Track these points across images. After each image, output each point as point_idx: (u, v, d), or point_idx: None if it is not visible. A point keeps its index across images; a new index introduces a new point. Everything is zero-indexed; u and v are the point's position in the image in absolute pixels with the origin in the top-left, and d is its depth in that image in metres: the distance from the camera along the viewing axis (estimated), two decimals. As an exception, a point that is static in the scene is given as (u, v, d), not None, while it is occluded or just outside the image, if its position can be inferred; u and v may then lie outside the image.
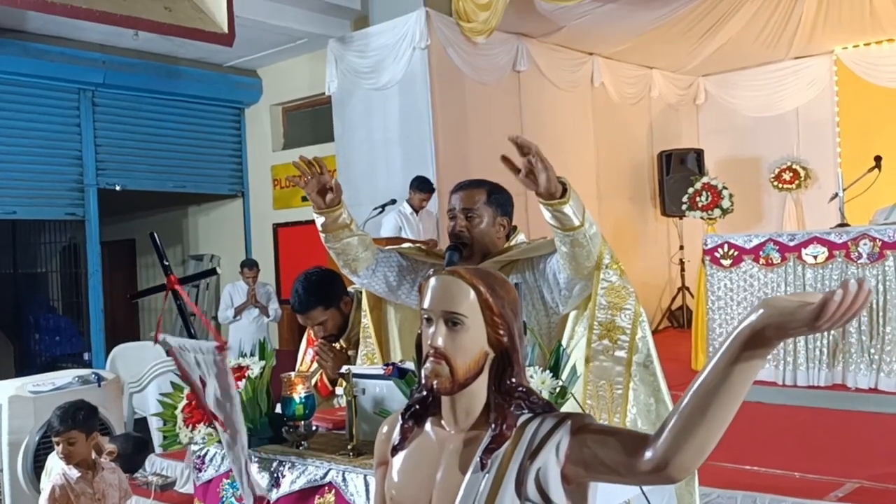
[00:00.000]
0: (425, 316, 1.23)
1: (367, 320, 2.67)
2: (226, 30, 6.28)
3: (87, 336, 8.24)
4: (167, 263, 1.23)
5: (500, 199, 2.42)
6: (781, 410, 5.19)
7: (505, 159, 2.03)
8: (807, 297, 1.00)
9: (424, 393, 1.26)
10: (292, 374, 2.15)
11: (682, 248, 9.18)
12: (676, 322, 9.14)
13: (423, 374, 1.20)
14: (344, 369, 2.08)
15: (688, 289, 8.90)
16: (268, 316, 7.17)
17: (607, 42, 8.22)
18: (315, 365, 2.88)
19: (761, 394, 5.55)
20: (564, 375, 1.68)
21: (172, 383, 2.32)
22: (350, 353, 2.80)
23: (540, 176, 1.97)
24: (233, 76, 8.78)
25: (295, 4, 7.08)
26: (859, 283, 0.96)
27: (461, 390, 1.22)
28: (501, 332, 1.22)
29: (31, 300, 9.85)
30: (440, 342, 1.20)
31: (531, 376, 1.65)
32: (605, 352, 2.18)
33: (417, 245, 2.75)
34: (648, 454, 1.09)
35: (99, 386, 4.56)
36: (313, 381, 2.92)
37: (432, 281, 1.24)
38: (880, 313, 5.38)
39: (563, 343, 2.22)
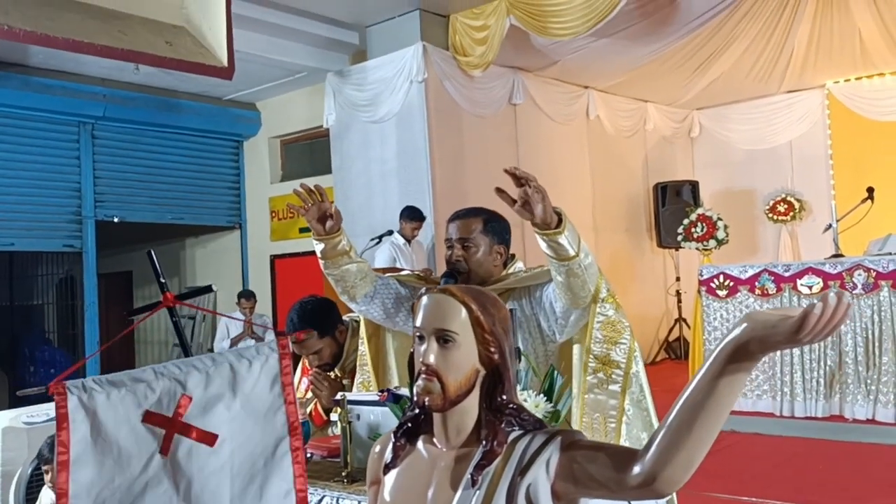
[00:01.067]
0: (417, 334, 1.25)
1: (364, 348, 2.67)
2: (226, 63, 6.34)
3: (83, 368, 8.20)
4: (164, 281, 1.24)
5: (496, 228, 2.44)
6: (779, 442, 5.17)
7: (500, 191, 2.06)
8: (789, 311, 1.02)
9: (417, 411, 1.27)
10: (287, 401, 2.14)
11: (678, 279, 9.20)
12: (674, 353, 9.13)
13: (414, 392, 1.22)
14: (339, 396, 2.08)
15: (685, 320, 8.91)
16: (264, 347, 7.14)
17: (602, 76, 8.34)
18: (310, 394, 2.87)
19: (758, 425, 5.54)
20: (561, 401, 1.69)
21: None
22: (345, 381, 2.80)
23: (536, 206, 2.00)
24: (232, 109, 8.88)
25: (294, 39, 7.19)
26: (839, 295, 0.98)
27: (452, 407, 1.23)
28: (492, 349, 1.24)
29: (27, 332, 9.82)
30: (432, 359, 1.21)
31: (525, 400, 1.66)
32: (599, 385, 2.19)
33: (415, 273, 2.77)
34: (637, 469, 1.10)
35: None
36: (308, 410, 2.92)
37: (424, 299, 1.26)
38: (876, 344, 5.39)
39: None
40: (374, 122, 7.27)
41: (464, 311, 1.23)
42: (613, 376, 2.15)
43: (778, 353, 5.82)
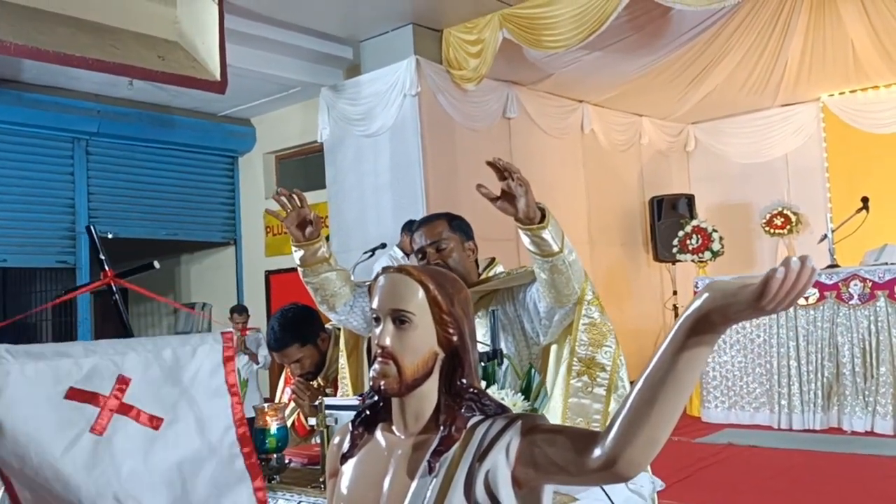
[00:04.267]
0: (373, 315, 1.21)
1: (343, 361, 2.63)
2: (218, 77, 6.34)
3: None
4: (104, 258, 1.20)
5: (461, 225, 2.44)
6: (776, 454, 5.10)
7: (480, 187, 2.03)
8: (750, 278, 0.97)
9: (375, 398, 1.22)
10: (265, 405, 2.10)
11: (675, 293, 9.15)
12: (671, 368, 9.05)
13: (370, 376, 1.17)
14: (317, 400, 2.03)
15: (682, 334, 8.83)
16: (257, 363, 7.09)
17: (596, 89, 8.34)
18: (293, 403, 2.82)
19: (756, 437, 5.47)
20: (538, 400, 1.64)
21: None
22: (328, 390, 2.75)
23: (519, 200, 1.97)
24: (226, 125, 8.88)
25: (288, 54, 7.20)
26: (802, 259, 0.93)
27: (410, 392, 1.18)
28: (451, 330, 1.19)
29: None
30: (387, 341, 1.17)
31: (502, 398, 1.61)
32: (583, 389, 2.13)
33: None
34: (597, 451, 1.05)
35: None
36: (290, 421, 2.86)
37: (381, 279, 1.22)
38: (873, 355, 5.34)
39: (548, 379, 2.19)
40: (367, 136, 7.26)
41: (421, 291, 1.19)
42: (598, 379, 2.11)
43: (775, 364, 5.76)
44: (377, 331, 1.19)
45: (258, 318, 8.61)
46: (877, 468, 4.73)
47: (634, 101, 8.93)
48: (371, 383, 1.18)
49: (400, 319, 1.18)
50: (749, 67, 8.09)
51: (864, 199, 6.15)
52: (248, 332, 7.08)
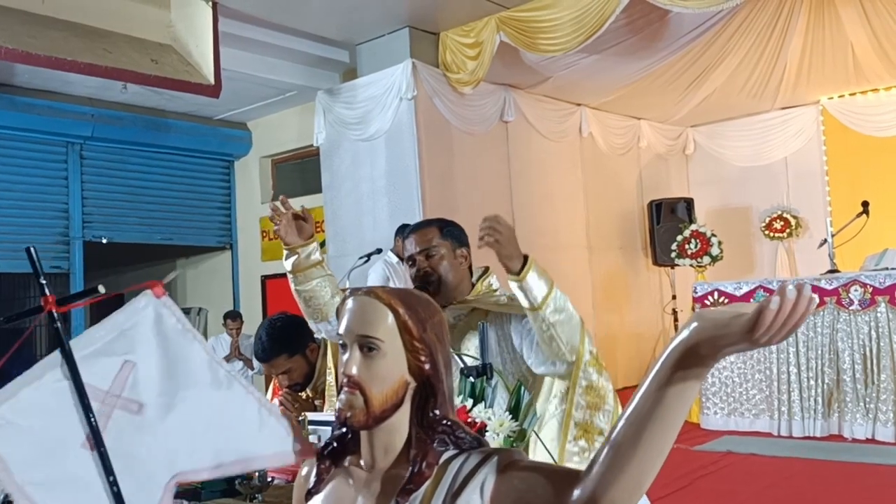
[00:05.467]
0: (339, 342, 1.13)
1: (331, 378, 2.57)
2: (212, 81, 6.29)
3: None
4: (44, 282, 1.12)
5: (453, 231, 2.35)
6: (776, 462, 5.03)
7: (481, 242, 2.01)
8: (742, 307, 0.89)
9: (343, 429, 1.14)
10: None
11: (674, 297, 9.09)
12: (671, 373, 8.99)
13: (336, 407, 1.10)
14: (300, 417, 1.97)
15: (681, 339, 8.77)
16: (252, 369, 7.02)
17: (594, 93, 8.28)
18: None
19: (755, 445, 5.41)
20: (526, 420, 1.58)
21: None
22: (317, 402, 2.69)
23: (494, 248, 1.91)
24: (222, 129, 8.83)
25: (285, 58, 7.15)
26: (798, 287, 0.85)
27: (378, 424, 1.10)
28: (423, 358, 1.10)
29: (15, 356, 9.66)
30: (354, 370, 1.08)
31: (489, 418, 1.55)
32: (580, 453, 2.04)
33: None
34: (577, 492, 0.97)
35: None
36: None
37: (348, 302, 1.14)
38: (874, 361, 5.28)
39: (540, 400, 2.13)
40: (363, 141, 7.20)
41: (390, 316, 1.10)
42: (596, 444, 2.02)
43: (775, 371, 5.70)
44: (344, 358, 1.11)
45: (254, 323, 8.53)
46: (878, 476, 4.66)
47: (633, 105, 8.88)
48: (337, 415, 1.11)
49: (367, 346, 1.10)
50: (748, 70, 8.03)
51: (865, 204, 6.09)
52: (241, 338, 7.01)
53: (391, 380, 1.10)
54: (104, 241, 8.00)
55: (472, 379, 1.88)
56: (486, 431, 1.53)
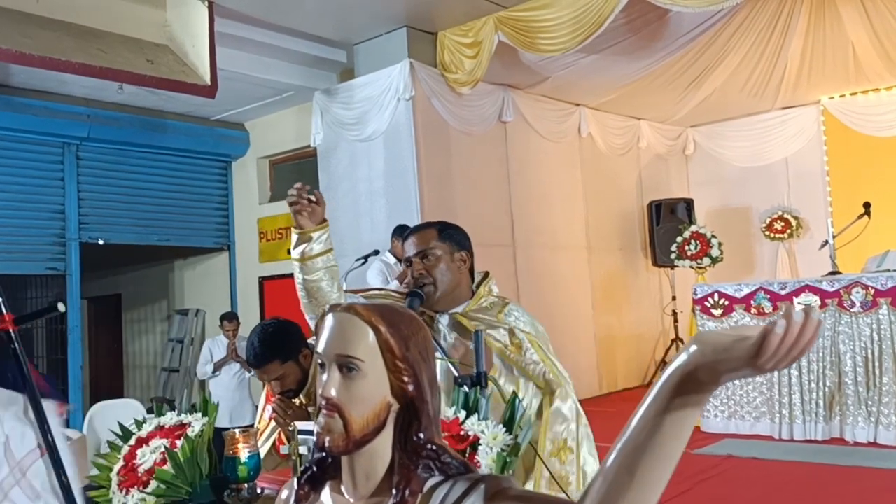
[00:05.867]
0: (318, 361, 1.07)
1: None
2: (209, 82, 6.23)
3: (66, 392, 8.02)
4: (1, 299, 1.07)
5: (452, 234, 2.28)
6: (777, 466, 4.99)
7: None
8: (744, 330, 0.83)
9: (322, 454, 1.08)
10: (236, 431, 1.98)
11: (674, 298, 9.04)
12: (671, 375, 8.94)
13: (315, 431, 1.04)
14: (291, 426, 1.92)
15: (681, 340, 8.74)
16: (249, 371, 6.97)
17: (593, 93, 8.23)
18: (273, 423, 2.70)
19: (756, 449, 5.36)
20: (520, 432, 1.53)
21: (110, 443, 2.15)
22: (310, 409, 2.63)
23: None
24: (220, 129, 8.77)
25: (282, 58, 7.10)
26: (806, 310, 0.80)
27: (359, 449, 1.04)
28: (406, 378, 1.04)
29: (11, 357, 9.61)
30: (332, 392, 1.02)
31: (483, 431, 1.50)
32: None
33: (389, 292, 2.58)
34: None
35: (62, 446, 4.35)
36: (272, 441, 2.75)
37: (327, 319, 1.08)
38: (876, 363, 5.23)
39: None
40: (361, 141, 7.15)
41: (371, 334, 1.04)
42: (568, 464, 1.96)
43: (776, 373, 5.65)
44: (322, 378, 1.05)
45: (252, 324, 8.46)
46: (880, 480, 4.61)
47: (632, 105, 8.83)
48: (315, 439, 1.05)
49: (347, 367, 1.03)
50: (748, 70, 7.98)
51: (866, 205, 6.04)
52: (237, 339, 6.95)
53: (372, 402, 1.04)
54: (101, 242, 7.95)
55: (465, 388, 1.84)
56: (480, 444, 1.48)
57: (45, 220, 7.60)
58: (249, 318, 8.54)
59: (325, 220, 2.21)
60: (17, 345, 1.19)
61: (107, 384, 10.42)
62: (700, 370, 0.86)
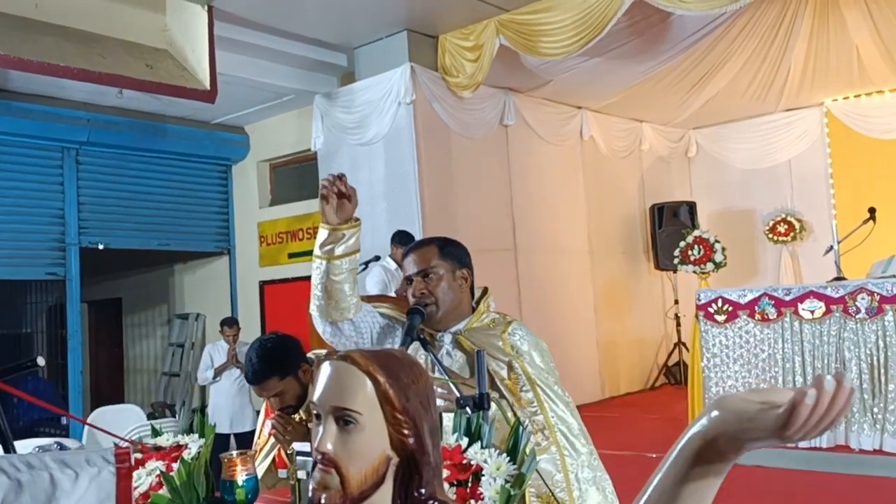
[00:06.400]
0: (314, 412, 1.02)
1: None
2: (208, 87, 6.20)
3: (66, 400, 7.99)
4: None
5: (453, 251, 2.23)
6: (781, 474, 4.94)
7: None
8: (771, 395, 0.78)
9: None
10: (233, 453, 1.95)
11: (676, 302, 9.00)
12: (674, 378, 8.90)
13: (310, 486, 1.00)
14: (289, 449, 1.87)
15: (684, 344, 8.69)
16: (250, 377, 6.93)
17: (595, 96, 8.19)
18: (273, 439, 2.66)
19: (759, 457, 5.30)
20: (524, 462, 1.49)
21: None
22: (310, 425, 2.59)
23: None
24: (220, 133, 8.74)
25: (282, 61, 7.06)
26: (837, 378, 0.75)
27: None
28: (406, 431, 0.99)
29: (12, 361, 9.59)
30: (328, 446, 0.97)
31: (486, 460, 1.46)
32: None
33: (394, 306, 2.50)
34: None
35: (61, 456, 4.31)
36: (271, 457, 2.71)
37: (323, 368, 1.03)
38: (882, 370, 5.18)
39: None
40: (362, 145, 7.11)
41: (369, 384, 0.99)
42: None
43: (780, 380, 5.60)
44: (318, 431, 1.00)
45: (252, 328, 8.46)
46: (886, 490, 4.57)
47: (635, 107, 8.78)
48: (311, 496, 0.99)
49: (344, 419, 0.99)
50: (752, 72, 7.93)
51: (871, 210, 5.99)
52: (238, 344, 6.91)
53: (371, 456, 0.99)
54: (100, 247, 7.92)
55: (468, 410, 1.80)
56: (483, 475, 1.44)
57: (44, 224, 7.56)
58: (250, 323, 8.51)
59: (357, 219, 2.08)
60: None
61: (107, 389, 10.39)
62: (721, 439, 0.82)
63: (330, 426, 1.00)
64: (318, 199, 7.30)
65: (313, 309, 2.15)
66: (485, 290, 2.34)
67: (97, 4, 5.77)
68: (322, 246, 2.05)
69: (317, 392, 1.02)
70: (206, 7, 6.14)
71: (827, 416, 0.76)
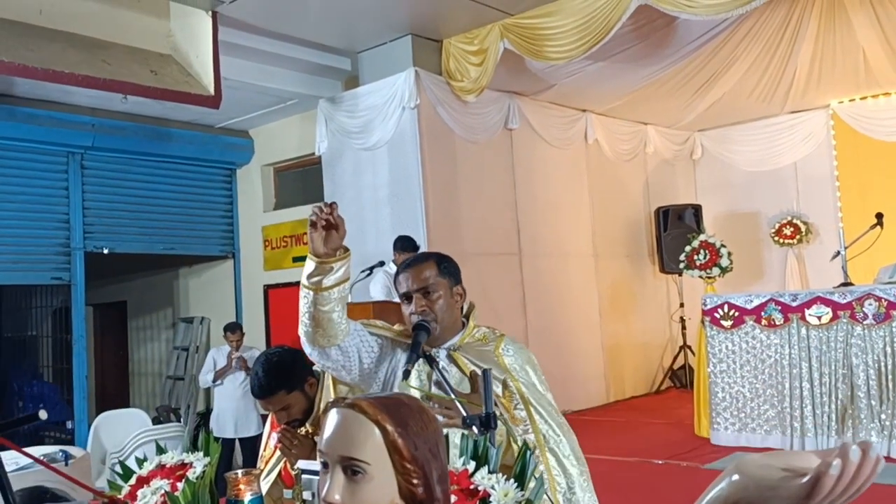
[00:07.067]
0: (321, 460, 1.01)
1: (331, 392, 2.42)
2: (212, 92, 6.20)
3: (71, 403, 8.00)
4: None
5: (450, 268, 2.21)
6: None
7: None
8: (793, 460, 0.76)
9: None
10: (239, 472, 1.93)
11: (682, 305, 8.97)
12: (679, 382, 8.88)
13: None
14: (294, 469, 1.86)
15: (689, 347, 8.67)
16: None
17: (600, 99, 8.17)
18: (278, 452, 2.65)
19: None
20: (531, 486, 1.47)
21: (110, 482, 2.10)
22: (316, 438, 2.58)
23: None
24: (224, 137, 8.74)
25: (286, 66, 7.05)
26: (863, 447, 0.73)
27: None
28: (415, 481, 0.98)
29: (18, 366, 9.61)
30: (337, 497, 0.96)
31: (493, 487, 1.44)
32: None
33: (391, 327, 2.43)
34: None
35: (66, 464, 4.32)
36: (277, 470, 2.70)
37: (331, 415, 1.01)
38: (889, 377, 5.15)
39: None
40: (366, 150, 7.10)
41: (377, 433, 0.98)
42: None
43: (787, 386, 5.57)
44: (325, 480, 0.99)
45: (257, 332, 8.47)
46: (893, 497, 4.54)
47: (639, 110, 8.76)
48: None
49: (352, 469, 0.97)
50: (757, 75, 7.90)
51: (879, 216, 5.96)
52: (241, 349, 6.91)
53: None
54: (105, 251, 7.92)
55: (475, 429, 1.78)
56: (490, 501, 1.42)
57: (49, 229, 7.56)
58: (254, 326, 8.51)
59: (346, 249, 2.01)
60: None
61: (112, 392, 10.40)
62: None
63: (338, 475, 0.98)
64: (321, 203, 7.22)
65: (301, 333, 2.10)
66: (471, 305, 2.33)
67: (101, 11, 5.77)
68: (309, 277, 1.98)
69: (324, 440, 1.00)
70: (210, 13, 6.14)
71: (852, 486, 0.73)
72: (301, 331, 2.10)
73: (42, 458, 4.30)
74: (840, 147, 9.07)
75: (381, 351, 2.22)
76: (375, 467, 0.98)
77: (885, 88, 8.51)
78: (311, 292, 1.98)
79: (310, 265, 1.99)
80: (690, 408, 6.51)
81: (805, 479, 0.73)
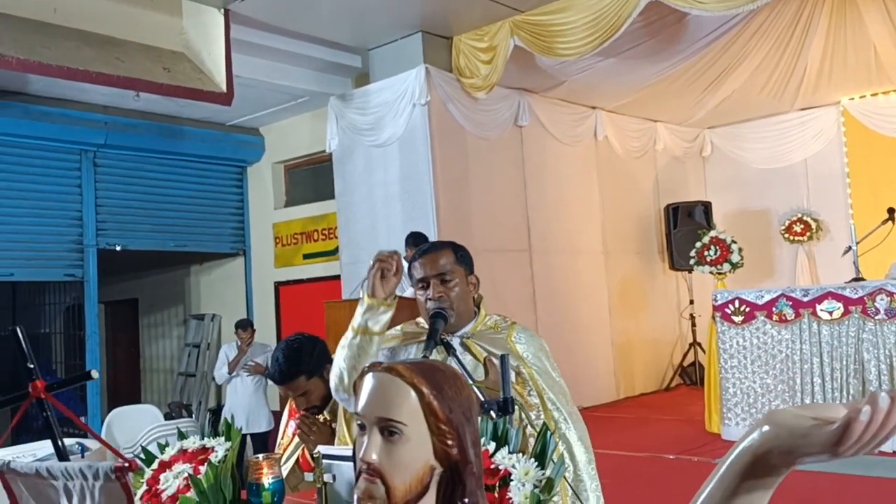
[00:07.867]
0: (358, 422, 1.03)
1: (343, 430, 2.37)
2: (224, 89, 6.24)
3: (85, 401, 8.06)
4: (33, 366, 1.04)
5: (465, 256, 2.23)
6: (799, 477, 4.89)
7: None
8: (822, 410, 0.79)
9: None
10: (260, 456, 1.96)
11: (692, 302, 8.97)
12: (689, 379, 8.88)
13: (354, 496, 1.00)
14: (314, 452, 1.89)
15: (699, 344, 8.66)
16: (264, 374, 6.97)
17: (610, 96, 8.17)
18: (297, 439, 2.68)
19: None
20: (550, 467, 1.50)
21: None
22: (334, 425, 2.61)
23: None
24: (235, 135, 8.79)
25: (297, 63, 7.09)
26: (892, 395, 0.75)
27: None
28: (450, 442, 1.00)
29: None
30: (374, 457, 0.99)
31: (514, 466, 1.47)
32: None
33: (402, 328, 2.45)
34: None
35: (82, 457, 4.36)
36: (295, 457, 2.73)
37: (367, 379, 1.04)
38: (901, 371, 5.14)
39: None
40: (377, 146, 7.13)
41: (413, 396, 1.00)
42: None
43: (798, 381, 5.58)
44: (363, 441, 1.01)
45: (268, 328, 8.52)
46: (906, 492, 4.54)
47: (649, 107, 8.76)
48: None
49: (389, 430, 1.00)
50: (768, 71, 7.89)
51: (891, 211, 5.95)
52: (252, 346, 6.96)
53: (415, 467, 1.00)
54: (118, 248, 7.98)
55: (493, 414, 1.81)
56: (512, 480, 1.45)
57: (62, 226, 7.63)
58: (265, 323, 8.56)
59: (396, 296, 2.06)
60: (49, 412, 1.16)
61: (124, 389, 10.47)
62: (773, 453, 0.82)
63: (375, 437, 1.01)
64: (332, 200, 7.28)
65: (333, 378, 2.13)
66: (479, 296, 2.35)
67: (115, 8, 5.82)
68: (359, 320, 2.04)
69: (361, 403, 1.03)
70: (222, 10, 6.19)
71: (881, 433, 0.76)
72: (334, 375, 2.12)
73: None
74: (851, 144, 9.04)
75: (393, 358, 2.24)
76: (412, 428, 1.01)
77: (896, 84, 8.49)
78: (359, 335, 2.04)
79: (362, 306, 2.04)
80: (701, 404, 6.51)
81: (835, 426, 0.76)
